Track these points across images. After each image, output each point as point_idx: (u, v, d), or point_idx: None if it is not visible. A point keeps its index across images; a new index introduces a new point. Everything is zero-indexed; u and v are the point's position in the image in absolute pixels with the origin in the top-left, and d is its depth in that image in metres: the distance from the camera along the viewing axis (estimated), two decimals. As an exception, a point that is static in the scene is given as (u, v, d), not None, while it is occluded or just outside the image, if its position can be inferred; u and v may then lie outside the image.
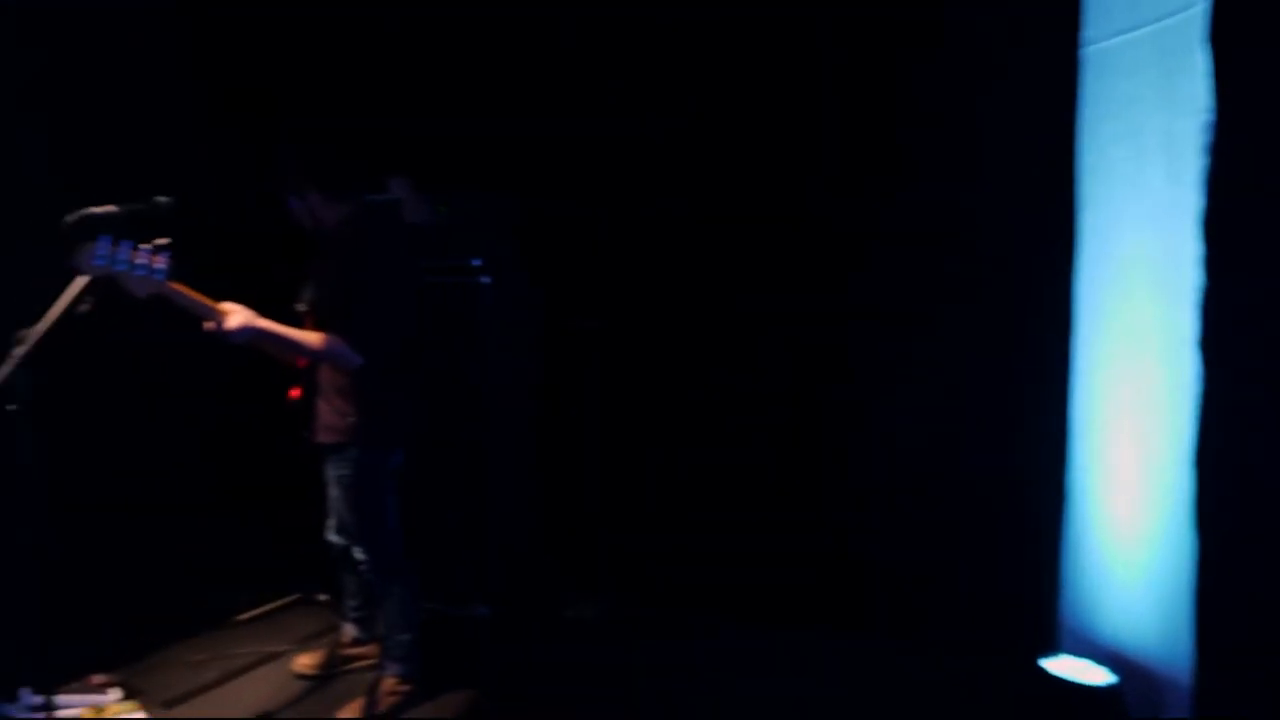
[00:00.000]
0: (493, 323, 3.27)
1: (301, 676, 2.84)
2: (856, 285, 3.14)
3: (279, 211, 2.59)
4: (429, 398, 3.10)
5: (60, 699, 2.46)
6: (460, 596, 3.28)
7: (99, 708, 2.54)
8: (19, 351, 1.88)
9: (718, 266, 3.38)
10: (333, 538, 2.76)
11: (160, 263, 2.05)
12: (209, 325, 2.19)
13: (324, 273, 2.45)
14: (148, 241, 2.07)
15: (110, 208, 2.04)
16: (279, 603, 3.46)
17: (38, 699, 2.23)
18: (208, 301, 2.19)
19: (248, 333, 2.20)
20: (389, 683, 2.63)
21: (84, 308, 2.00)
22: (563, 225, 3.53)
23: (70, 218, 1.98)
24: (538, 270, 3.53)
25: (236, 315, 2.19)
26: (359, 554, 2.60)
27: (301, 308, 2.50)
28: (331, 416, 2.46)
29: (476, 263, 3.24)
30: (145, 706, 2.60)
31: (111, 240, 1.99)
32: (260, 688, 2.80)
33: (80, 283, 2.00)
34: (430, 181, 3.32)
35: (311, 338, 2.34)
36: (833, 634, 3.05)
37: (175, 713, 2.63)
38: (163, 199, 2.12)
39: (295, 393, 2.58)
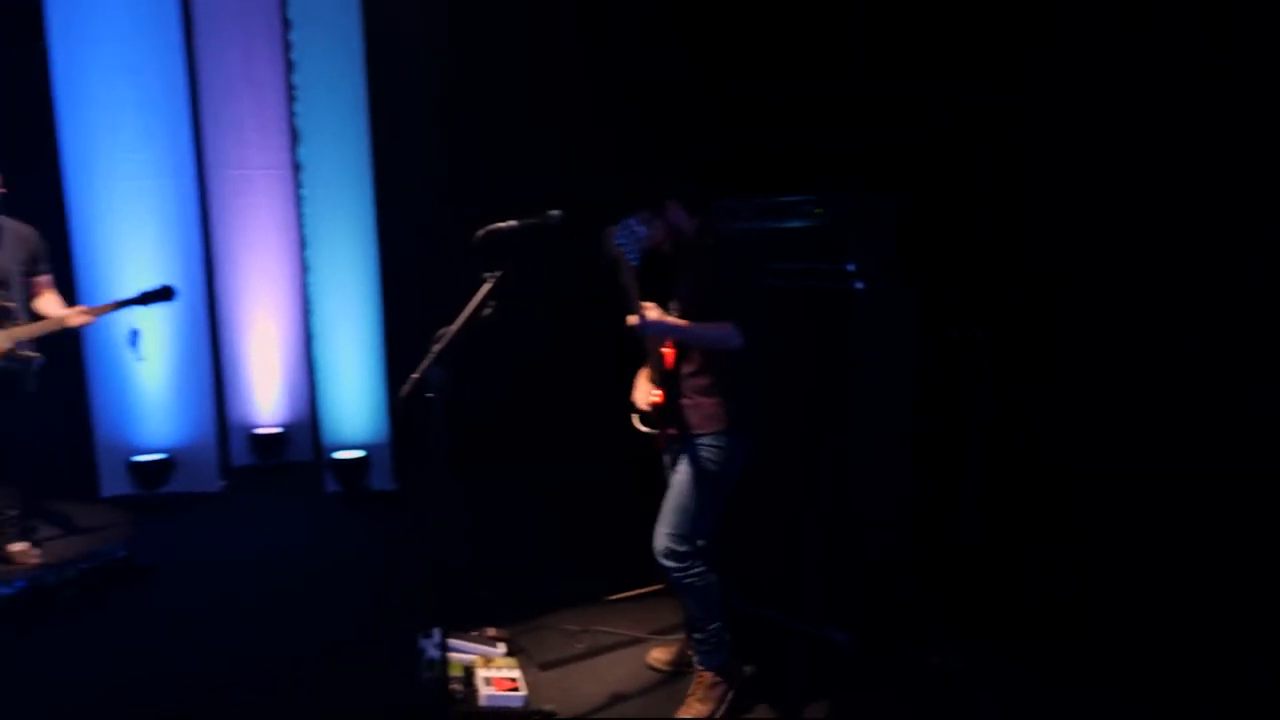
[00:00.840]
0: (865, 329, 3.08)
1: (652, 669, 2.96)
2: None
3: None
4: (794, 402, 3.03)
5: (458, 644, 2.88)
6: (817, 615, 3.16)
7: (487, 658, 2.91)
8: (436, 349, 2.17)
9: (1125, 269, 2.80)
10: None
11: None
12: (632, 319, 2.41)
13: (702, 271, 2.56)
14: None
15: (511, 223, 2.27)
16: (646, 589, 3.66)
17: (439, 640, 2.60)
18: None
19: (658, 326, 2.44)
20: (704, 678, 2.69)
21: (487, 311, 2.25)
22: (943, 225, 3.21)
23: (480, 233, 2.24)
24: (915, 273, 3.26)
25: (652, 310, 2.43)
26: (663, 539, 2.61)
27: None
28: (700, 407, 2.58)
29: (850, 267, 3.07)
30: (523, 665, 2.92)
31: (636, 222, 2.34)
32: (618, 670, 2.98)
33: (485, 289, 2.25)
34: (803, 183, 3.23)
35: (707, 325, 2.48)
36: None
37: (546, 676, 2.92)
38: (554, 213, 2.31)
39: (658, 398, 2.65)
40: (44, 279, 3.85)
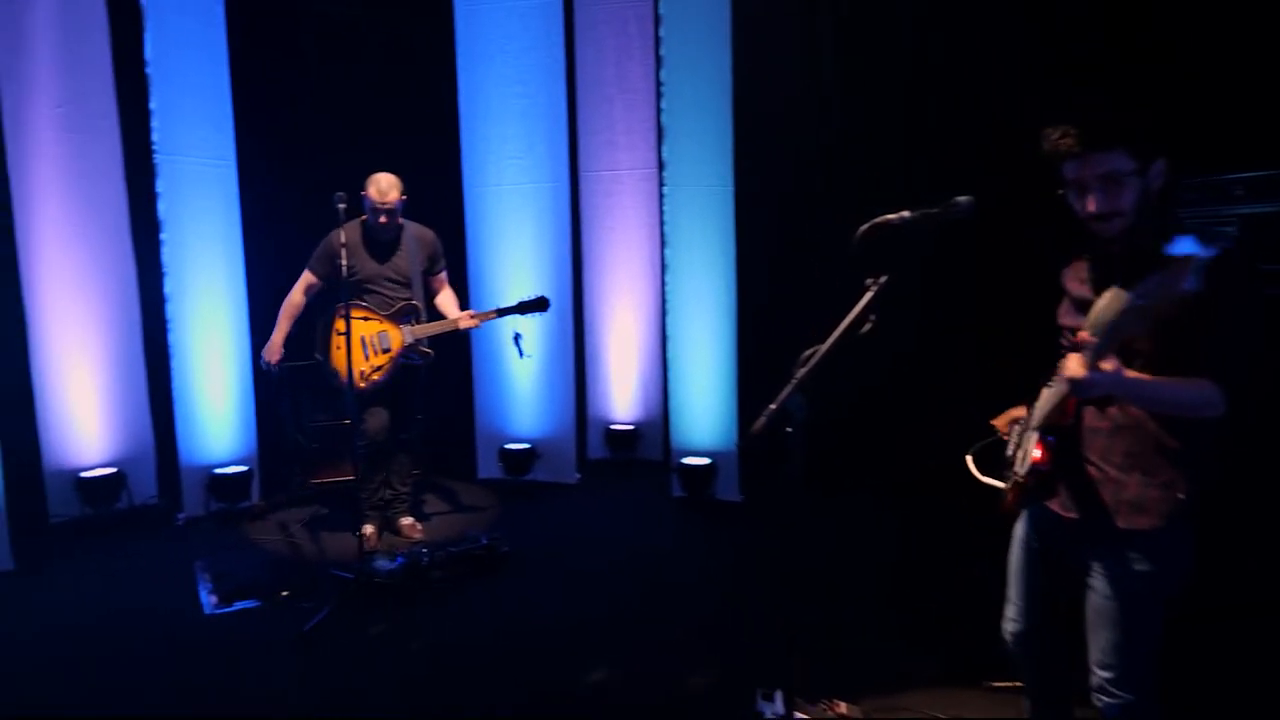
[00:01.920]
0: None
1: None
2: None
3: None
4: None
5: (799, 714, 2.44)
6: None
7: (836, 735, 2.44)
8: (800, 373, 1.75)
9: None
10: (1014, 627, 2.10)
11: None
12: (1076, 368, 1.62)
13: (1175, 296, 1.51)
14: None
15: (903, 214, 1.77)
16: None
17: (782, 707, 2.20)
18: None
19: (1113, 382, 1.63)
20: None
21: (867, 327, 1.77)
22: None
23: (863, 229, 1.76)
24: None
25: (1109, 363, 1.61)
26: (1098, 676, 1.86)
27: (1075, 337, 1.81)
28: (1125, 489, 1.78)
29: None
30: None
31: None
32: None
33: (866, 299, 1.78)
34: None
35: (1182, 384, 1.67)
36: None
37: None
38: (961, 200, 1.75)
39: (1039, 457, 1.89)
40: (441, 277, 4.17)
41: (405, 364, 3.99)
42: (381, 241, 3.96)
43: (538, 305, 4.18)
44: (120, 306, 4.57)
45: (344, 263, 3.49)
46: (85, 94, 4.39)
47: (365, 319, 3.92)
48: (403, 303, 3.98)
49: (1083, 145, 1.69)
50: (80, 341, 4.44)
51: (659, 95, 4.79)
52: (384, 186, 3.85)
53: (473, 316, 4.04)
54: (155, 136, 4.33)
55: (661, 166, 4.80)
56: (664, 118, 4.67)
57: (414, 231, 4.07)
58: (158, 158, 4.34)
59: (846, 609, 3.28)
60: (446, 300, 4.17)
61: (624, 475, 5.39)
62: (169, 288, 4.41)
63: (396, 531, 4.23)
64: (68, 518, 4.41)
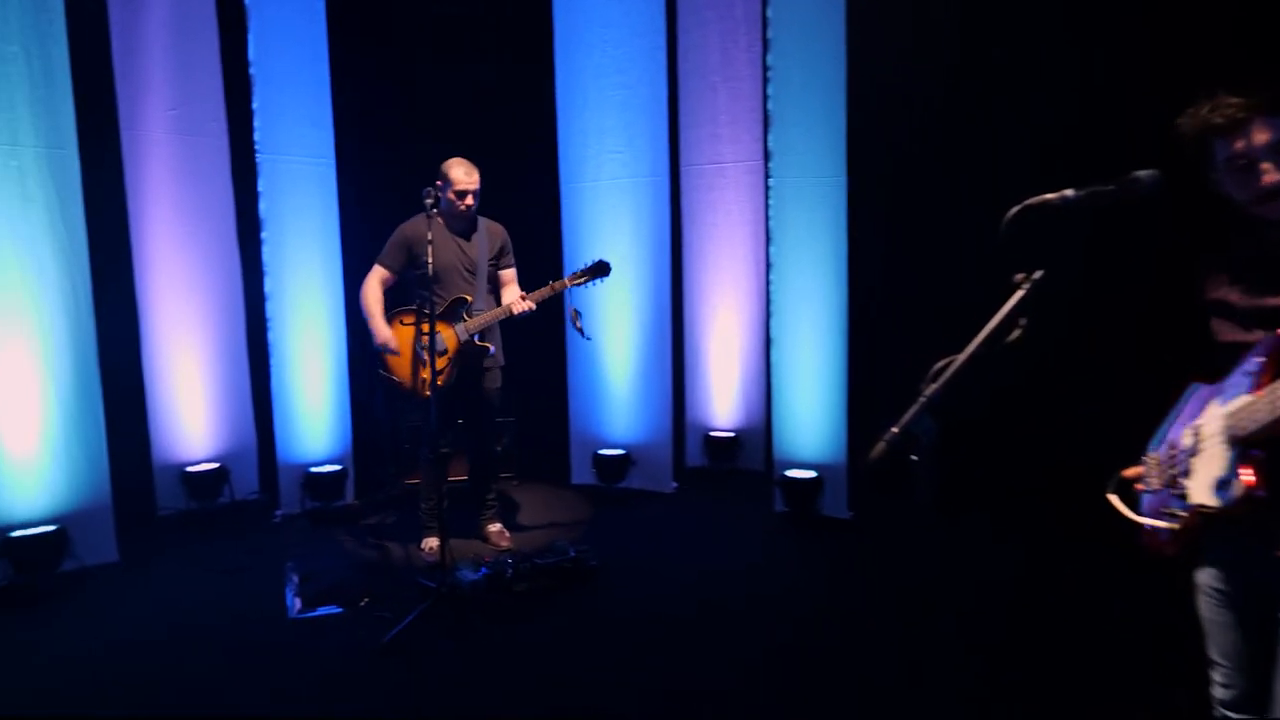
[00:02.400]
0: None
1: None
2: None
3: None
4: None
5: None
6: None
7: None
8: (930, 390, 1.43)
9: None
10: (1228, 695, 1.68)
11: None
12: None
13: None
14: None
15: (1065, 193, 1.42)
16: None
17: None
18: None
19: None
20: None
21: (1016, 333, 1.44)
22: None
23: (1014, 211, 1.43)
24: None
25: None
26: None
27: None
28: None
29: None
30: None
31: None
32: None
33: (1014, 299, 1.44)
34: None
35: None
36: None
37: None
38: (1144, 174, 1.40)
39: (1255, 480, 1.49)
40: (509, 272, 3.99)
41: (469, 358, 3.80)
42: (456, 231, 3.80)
43: (598, 271, 3.90)
44: (226, 305, 4.64)
45: (429, 260, 3.36)
46: (196, 96, 4.47)
47: (415, 321, 3.77)
48: (455, 297, 3.78)
49: (1249, 110, 1.46)
50: (188, 339, 4.52)
51: (765, 81, 4.48)
52: (468, 167, 3.72)
53: (524, 298, 3.80)
54: (257, 136, 4.35)
55: (767, 157, 4.49)
56: (771, 104, 4.36)
57: (484, 223, 3.92)
58: (259, 157, 4.36)
59: (975, 655, 2.89)
60: (511, 295, 3.97)
61: (723, 486, 5.10)
62: (269, 287, 4.43)
63: (484, 538, 4.09)
64: (174, 510, 4.50)
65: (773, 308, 4.49)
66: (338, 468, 4.61)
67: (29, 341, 3.58)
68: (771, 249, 4.45)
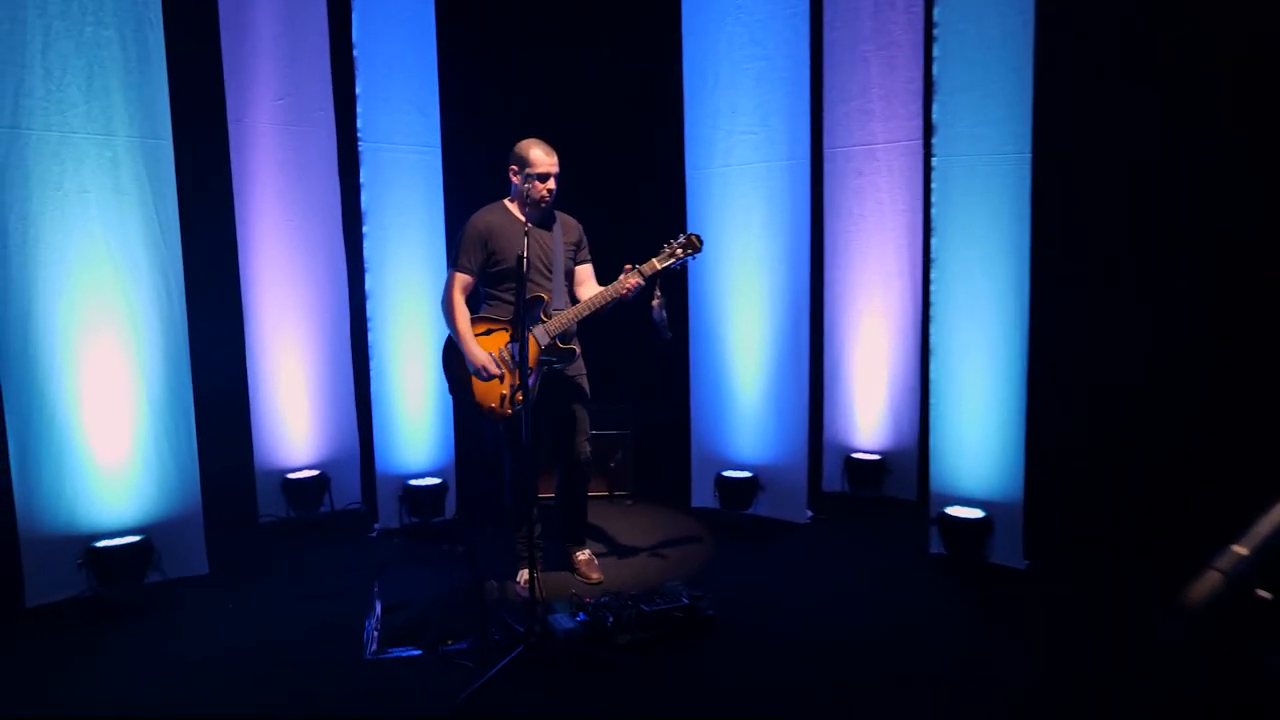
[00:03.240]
0: None
1: None
2: None
3: None
4: None
5: None
6: None
7: None
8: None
9: None
10: None
11: None
12: None
13: None
14: None
15: None
16: None
17: None
18: None
19: None
20: None
21: None
22: None
23: None
24: None
25: None
26: None
27: None
28: None
29: None
30: None
31: None
32: None
33: None
34: None
35: None
36: None
37: None
38: None
39: None
40: (585, 268, 3.49)
41: (552, 370, 3.31)
42: (532, 222, 3.32)
43: (688, 247, 3.32)
44: (330, 304, 4.40)
45: (525, 254, 2.89)
46: (303, 84, 4.25)
47: (488, 332, 3.29)
48: (530, 298, 3.27)
49: None
50: (291, 339, 4.31)
51: (929, 43, 3.76)
52: (547, 148, 3.24)
53: (632, 268, 3.27)
54: (360, 123, 4.06)
55: (929, 135, 3.77)
56: (936, 68, 3.63)
57: (561, 219, 3.42)
58: (362, 145, 4.07)
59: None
60: (590, 290, 3.45)
61: (866, 517, 4.41)
62: (370, 284, 4.13)
63: (572, 567, 3.61)
64: (274, 518, 4.30)
65: (933, 311, 3.76)
66: (437, 481, 4.26)
67: (120, 341, 3.41)
68: (934, 241, 3.72)
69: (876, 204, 4.55)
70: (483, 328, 3.28)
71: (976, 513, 3.65)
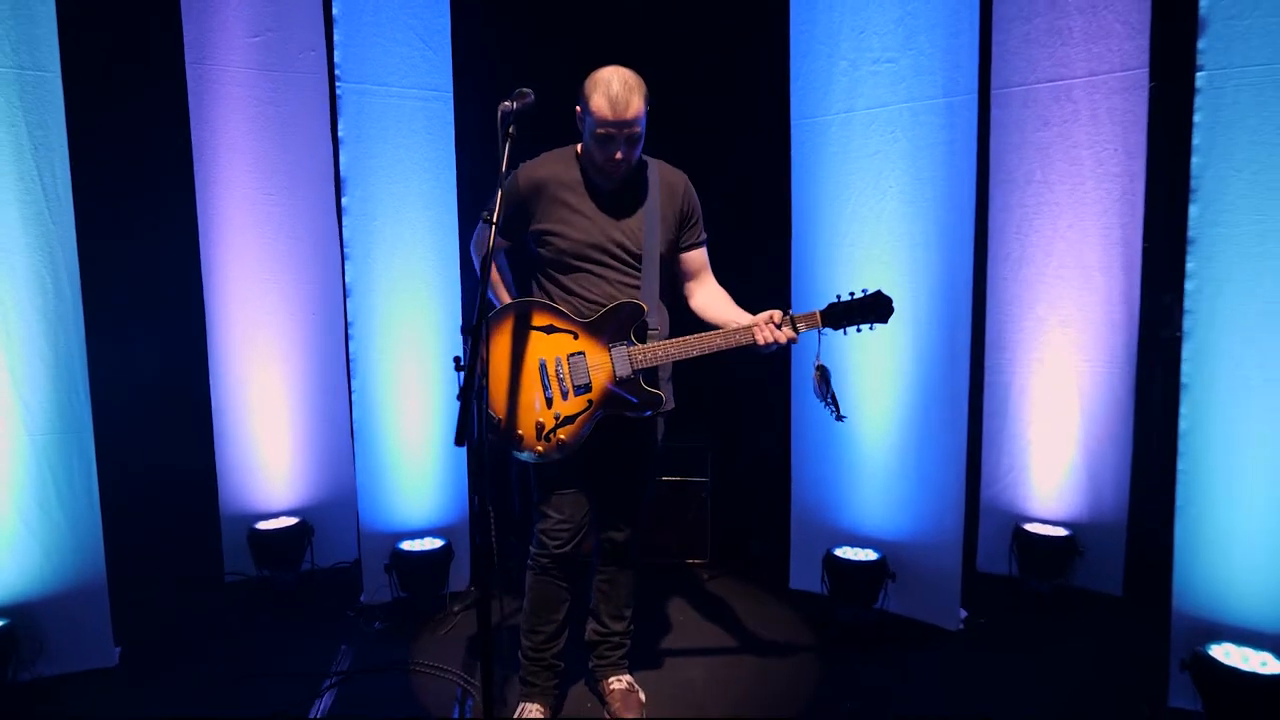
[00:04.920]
0: None
1: None
2: None
3: None
4: None
5: None
6: None
7: None
8: None
9: None
10: None
11: None
12: None
13: None
14: None
15: None
16: None
17: None
18: None
19: None
20: None
21: None
22: None
23: None
24: None
25: None
26: None
27: None
28: None
29: None
30: None
31: None
32: None
33: None
34: None
35: None
36: None
37: None
38: None
39: None
40: (696, 254, 2.31)
41: (619, 415, 2.14)
42: (604, 190, 2.14)
43: (872, 312, 2.10)
44: (320, 303, 3.40)
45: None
46: (285, 17, 3.26)
47: (547, 328, 2.13)
48: (624, 301, 2.12)
49: None
50: (268, 349, 3.32)
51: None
52: (618, 90, 2.01)
53: (779, 321, 2.06)
54: (338, 57, 2.95)
55: (1155, 63, 2.36)
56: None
57: (659, 174, 2.21)
58: (340, 87, 2.96)
59: None
60: (710, 296, 2.25)
61: (1050, 622, 3.02)
62: (350, 276, 3.05)
63: (601, 698, 2.41)
64: (242, 576, 3.33)
65: (1189, 323, 2.34)
66: (440, 544, 3.14)
67: (-12, 351, 2.46)
68: (1192, 210, 2.29)
69: (1072, 166, 3.14)
70: (546, 317, 2.15)
71: (1265, 658, 2.22)
